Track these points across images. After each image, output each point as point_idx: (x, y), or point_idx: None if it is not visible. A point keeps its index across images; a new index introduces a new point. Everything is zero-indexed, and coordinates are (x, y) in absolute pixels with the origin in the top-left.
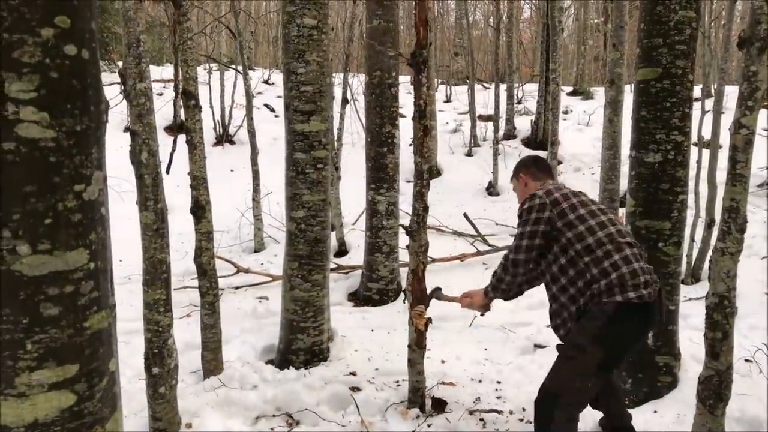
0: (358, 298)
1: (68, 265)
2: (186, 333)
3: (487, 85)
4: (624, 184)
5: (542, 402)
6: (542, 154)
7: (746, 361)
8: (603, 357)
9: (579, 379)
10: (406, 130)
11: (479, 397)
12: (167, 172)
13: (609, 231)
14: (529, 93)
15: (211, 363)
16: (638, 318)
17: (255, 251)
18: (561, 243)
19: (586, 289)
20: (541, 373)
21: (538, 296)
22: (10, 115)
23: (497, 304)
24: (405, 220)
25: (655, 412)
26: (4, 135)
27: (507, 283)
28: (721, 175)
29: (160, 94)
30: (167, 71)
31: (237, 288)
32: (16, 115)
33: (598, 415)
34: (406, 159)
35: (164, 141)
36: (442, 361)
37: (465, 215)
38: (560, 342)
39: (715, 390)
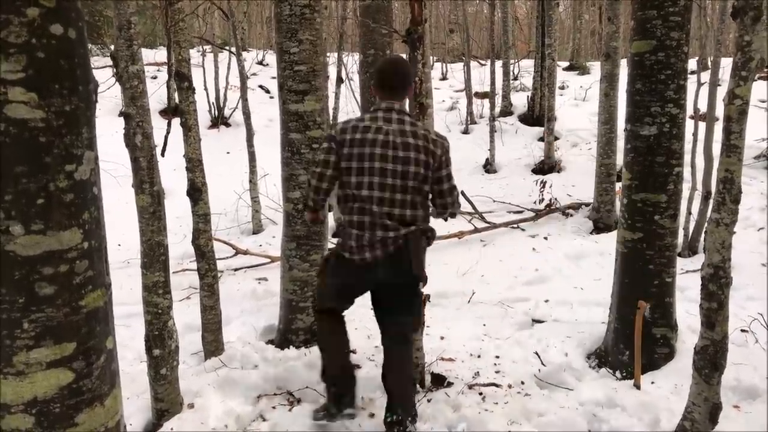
0: None
1: (62, 245)
2: (186, 315)
3: (483, 61)
4: (621, 158)
5: None
6: (539, 129)
7: (742, 331)
8: None
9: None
10: None
11: (478, 372)
12: (162, 154)
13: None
14: (525, 69)
15: (212, 344)
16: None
17: (253, 233)
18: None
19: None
20: (539, 347)
21: (536, 273)
22: None
23: (495, 280)
24: None
25: (653, 383)
26: None
27: None
28: (718, 148)
29: (154, 78)
30: (160, 54)
31: (236, 270)
32: (4, 96)
33: None
34: None
35: (159, 124)
36: (441, 338)
37: (462, 193)
38: None
39: (710, 359)
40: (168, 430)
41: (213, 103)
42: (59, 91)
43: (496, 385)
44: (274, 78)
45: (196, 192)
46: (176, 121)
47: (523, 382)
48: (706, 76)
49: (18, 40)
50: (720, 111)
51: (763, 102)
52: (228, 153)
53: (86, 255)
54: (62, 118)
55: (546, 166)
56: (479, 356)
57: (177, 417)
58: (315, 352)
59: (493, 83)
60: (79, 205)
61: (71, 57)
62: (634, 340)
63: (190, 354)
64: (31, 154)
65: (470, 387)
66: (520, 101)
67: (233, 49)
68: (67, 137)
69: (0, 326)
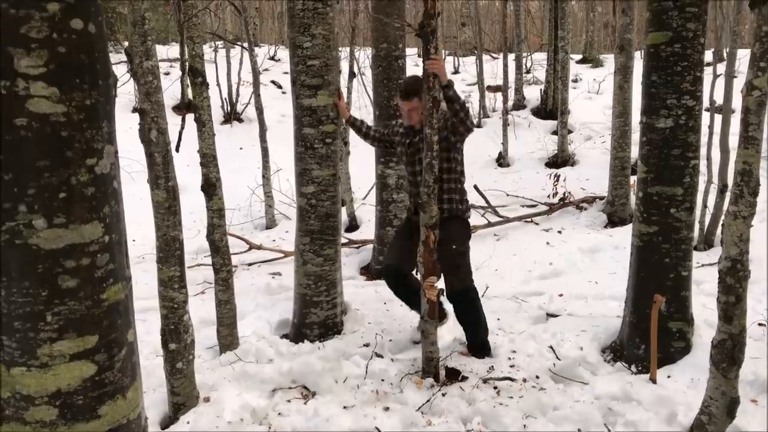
0: (371, 272)
1: (84, 238)
2: (201, 310)
3: (495, 55)
4: (635, 152)
5: (470, 295)
6: (552, 123)
7: (759, 325)
8: None
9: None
10: None
11: (493, 366)
12: (177, 150)
13: None
14: (538, 62)
15: (227, 338)
16: None
17: (266, 228)
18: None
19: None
20: (554, 342)
21: (550, 267)
22: (21, 91)
23: (509, 274)
24: None
25: (669, 377)
26: (16, 111)
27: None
28: (734, 140)
29: (167, 74)
30: (173, 50)
31: (250, 264)
32: (26, 91)
33: None
34: None
35: (173, 120)
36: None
37: (475, 187)
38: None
39: (728, 353)
40: (184, 423)
41: (225, 99)
42: (80, 86)
43: (511, 379)
44: (286, 73)
45: (211, 187)
46: (190, 117)
47: (537, 377)
48: (721, 68)
49: (39, 35)
50: (736, 103)
51: None
52: (241, 149)
53: (107, 248)
54: (83, 112)
55: (559, 160)
56: (494, 350)
57: (193, 410)
58: (329, 345)
59: (505, 76)
60: (100, 198)
61: (91, 51)
62: (649, 334)
63: (205, 348)
64: (53, 149)
65: (485, 381)
66: (533, 94)
67: (245, 45)
68: (88, 131)
69: (23, 319)
